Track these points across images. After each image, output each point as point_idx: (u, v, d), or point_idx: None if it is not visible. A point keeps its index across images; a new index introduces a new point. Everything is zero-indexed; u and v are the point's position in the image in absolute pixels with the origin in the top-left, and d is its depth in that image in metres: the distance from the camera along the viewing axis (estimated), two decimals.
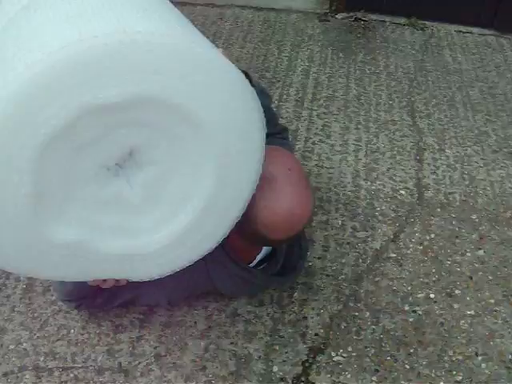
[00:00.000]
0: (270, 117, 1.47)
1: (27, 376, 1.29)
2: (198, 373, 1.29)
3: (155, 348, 1.34)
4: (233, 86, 0.87)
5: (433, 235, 1.61)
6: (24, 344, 1.34)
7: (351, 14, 2.58)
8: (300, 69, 2.29)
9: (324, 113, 2.06)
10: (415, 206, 1.70)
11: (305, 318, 1.40)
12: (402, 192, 1.75)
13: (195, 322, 1.39)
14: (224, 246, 1.23)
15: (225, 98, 0.86)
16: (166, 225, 0.93)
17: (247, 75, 1.35)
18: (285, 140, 1.52)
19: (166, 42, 0.79)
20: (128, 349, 1.34)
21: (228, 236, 1.20)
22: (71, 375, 1.29)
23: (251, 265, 1.33)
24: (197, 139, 0.86)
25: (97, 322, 1.39)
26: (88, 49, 0.77)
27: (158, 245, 0.95)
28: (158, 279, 1.21)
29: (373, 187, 1.76)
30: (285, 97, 2.14)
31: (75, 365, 1.31)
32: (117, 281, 1.12)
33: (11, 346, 1.34)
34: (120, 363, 1.31)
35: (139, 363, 1.31)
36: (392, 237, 1.61)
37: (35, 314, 1.40)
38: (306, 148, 1.91)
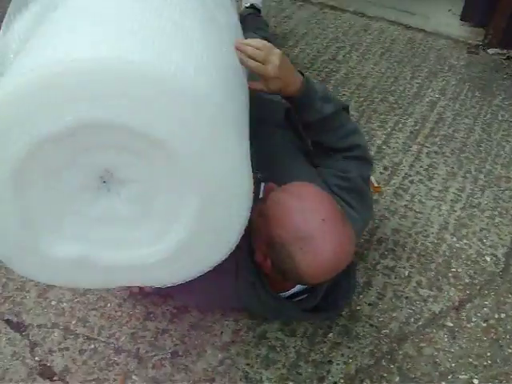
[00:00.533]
0: (335, 125, 1.30)
1: (56, 334, 1.37)
2: (204, 383, 1.29)
3: (175, 345, 1.35)
4: (203, 113, 0.83)
5: (503, 315, 1.44)
6: (64, 304, 1.43)
7: (505, 51, 2.36)
8: (427, 99, 2.15)
9: (435, 152, 1.92)
10: (496, 277, 1.53)
11: (330, 362, 1.33)
12: (487, 258, 1.58)
13: (221, 333, 1.38)
14: (258, 269, 1.21)
15: (193, 123, 0.82)
16: (161, 238, 0.93)
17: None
18: (352, 161, 1.33)
19: (129, 67, 0.77)
20: (150, 338, 1.37)
21: (263, 265, 1.17)
22: (91, 346, 1.35)
23: (286, 294, 1.28)
24: (171, 164, 0.85)
25: (133, 303, 1.44)
26: (56, 73, 0.77)
27: (157, 257, 0.95)
28: (187, 285, 1.22)
29: (457, 245, 1.61)
30: (400, 126, 2.03)
31: (99, 337, 1.37)
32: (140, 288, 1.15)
33: (53, 302, 1.43)
34: (138, 349, 1.35)
35: (155, 355, 1.34)
36: (457, 304, 1.46)
37: None
38: (402, 185, 1.79)
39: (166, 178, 0.87)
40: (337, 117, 1.29)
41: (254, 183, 1.26)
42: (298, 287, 1.27)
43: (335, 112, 1.28)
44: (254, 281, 1.22)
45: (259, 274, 1.21)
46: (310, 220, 1.05)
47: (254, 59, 1.12)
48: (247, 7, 2.30)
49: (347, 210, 1.25)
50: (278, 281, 1.21)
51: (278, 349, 1.35)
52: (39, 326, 1.39)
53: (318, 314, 1.33)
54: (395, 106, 2.12)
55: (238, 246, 1.20)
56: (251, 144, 1.37)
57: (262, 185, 1.26)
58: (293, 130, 1.45)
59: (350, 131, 1.33)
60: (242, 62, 1.13)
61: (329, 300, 1.29)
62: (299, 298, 1.29)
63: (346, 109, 1.35)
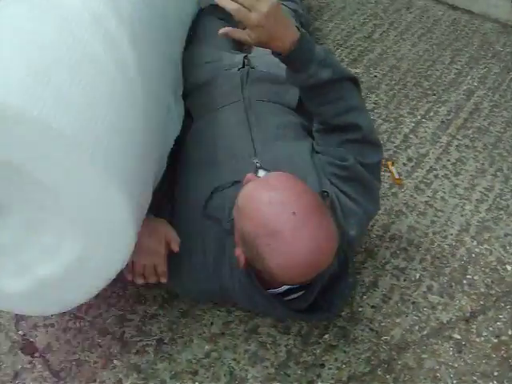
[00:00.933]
0: (332, 96, 1.18)
1: None
2: (186, 375, 1.23)
3: (162, 332, 1.30)
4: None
5: None
6: None
7: None
8: (465, 87, 2.00)
9: (466, 145, 1.79)
10: None
11: (322, 365, 1.25)
12: (508, 267, 1.46)
13: (211, 323, 1.32)
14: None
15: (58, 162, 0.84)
16: (52, 256, 0.97)
17: None
18: (352, 146, 1.21)
19: None
20: (138, 322, 1.32)
21: (239, 260, 1.09)
22: (77, 325, 1.31)
23: (279, 290, 1.20)
24: (46, 198, 0.88)
25: (123, 285, 1.38)
26: None
27: (51, 276, 0.99)
28: (176, 277, 1.17)
29: (476, 249, 1.50)
30: (431, 114, 1.89)
31: (85, 317, 1.32)
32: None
33: None
34: (123, 333, 1.30)
35: (140, 341, 1.28)
36: (468, 315, 1.35)
37: None
38: (425, 179, 1.67)
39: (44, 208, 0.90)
40: (336, 87, 1.16)
41: (251, 170, 1.18)
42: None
43: (334, 80, 1.15)
44: (241, 276, 1.14)
45: (247, 270, 1.13)
46: (279, 213, 0.94)
47: (240, 3, 1.03)
48: None
49: (345, 203, 1.15)
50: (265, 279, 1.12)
51: (269, 346, 1.28)
52: None
53: (311, 315, 1.24)
54: (429, 92, 1.98)
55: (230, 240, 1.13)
56: (254, 127, 1.29)
57: (260, 172, 1.17)
58: (305, 114, 1.35)
59: (350, 107, 1.19)
60: (220, 3, 1.04)
61: (325, 298, 1.20)
62: (294, 295, 1.20)
63: (353, 81, 1.21)
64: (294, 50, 1.10)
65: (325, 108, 1.20)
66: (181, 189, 1.31)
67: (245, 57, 1.62)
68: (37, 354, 1.26)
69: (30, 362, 1.24)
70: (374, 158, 1.24)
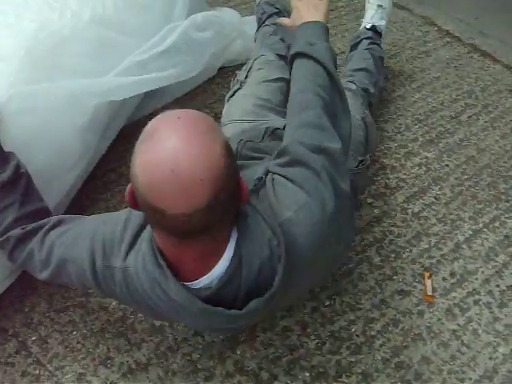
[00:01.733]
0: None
1: (11, 344, 1.30)
2: None
3: None
4: None
5: None
6: (35, 314, 1.36)
7: None
8: None
9: None
10: None
11: None
12: None
13: None
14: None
15: None
16: None
17: None
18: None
19: None
20: None
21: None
22: (36, 371, 1.27)
23: (199, 281, 0.93)
24: None
25: (98, 340, 1.31)
26: None
27: None
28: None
29: None
30: (496, 224, 1.66)
31: (48, 365, 1.27)
32: None
33: (26, 309, 1.35)
34: None
35: None
36: None
37: None
38: (462, 302, 1.46)
39: None
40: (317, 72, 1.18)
41: None
42: (215, 273, 0.92)
43: (316, 61, 1.18)
44: (145, 254, 0.94)
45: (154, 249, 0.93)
46: (165, 117, 0.87)
47: None
48: (368, 28, 1.99)
49: (284, 184, 1.01)
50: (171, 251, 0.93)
51: None
52: (1, 330, 1.32)
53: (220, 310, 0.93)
54: (502, 197, 1.75)
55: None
56: None
57: None
58: None
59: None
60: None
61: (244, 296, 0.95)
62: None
63: (338, 89, 1.19)
64: (300, 26, 1.26)
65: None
66: None
67: None
68: None
69: None
70: (325, 142, 1.07)
